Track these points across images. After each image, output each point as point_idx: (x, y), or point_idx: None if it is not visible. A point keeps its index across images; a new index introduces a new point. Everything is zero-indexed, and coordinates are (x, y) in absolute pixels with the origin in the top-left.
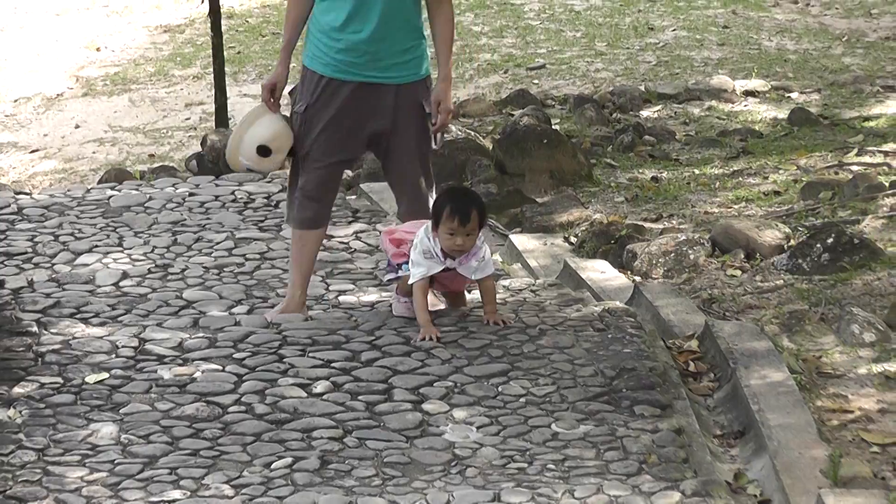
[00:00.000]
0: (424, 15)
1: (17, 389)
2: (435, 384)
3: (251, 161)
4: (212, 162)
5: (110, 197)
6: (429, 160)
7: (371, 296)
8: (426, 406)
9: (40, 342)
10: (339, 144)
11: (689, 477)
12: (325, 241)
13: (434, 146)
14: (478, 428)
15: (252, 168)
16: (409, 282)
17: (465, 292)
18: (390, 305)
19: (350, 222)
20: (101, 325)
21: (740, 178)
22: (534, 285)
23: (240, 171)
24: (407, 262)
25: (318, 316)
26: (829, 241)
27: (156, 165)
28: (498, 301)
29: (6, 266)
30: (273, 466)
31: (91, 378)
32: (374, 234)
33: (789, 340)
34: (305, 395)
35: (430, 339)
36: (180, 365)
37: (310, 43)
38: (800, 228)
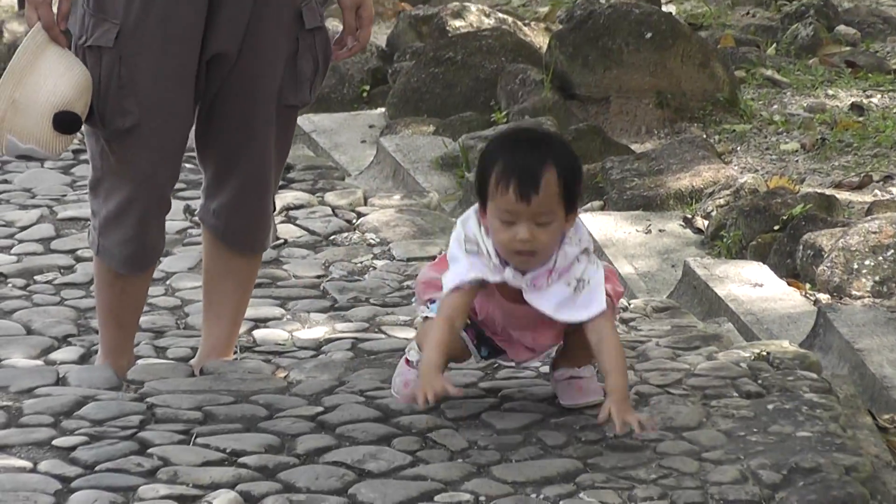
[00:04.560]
0: None
1: None
2: (437, 497)
3: (38, 140)
4: None
5: None
6: (293, 123)
7: (316, 329)
8: None
9: None
10: (184, 90)
11: None
12: None
13: (309, 97)
14: None
15: (32, 154)
16: (442, 292)
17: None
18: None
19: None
20: None
21: None
22: (628, 307)
23: (8, 154)
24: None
25: (216, 367)
26: None
27: None
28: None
29: None
30: None
31: None
32: (322, 210)
33: None
34: None
35: (428, 400)
36: None
37: None
38: None
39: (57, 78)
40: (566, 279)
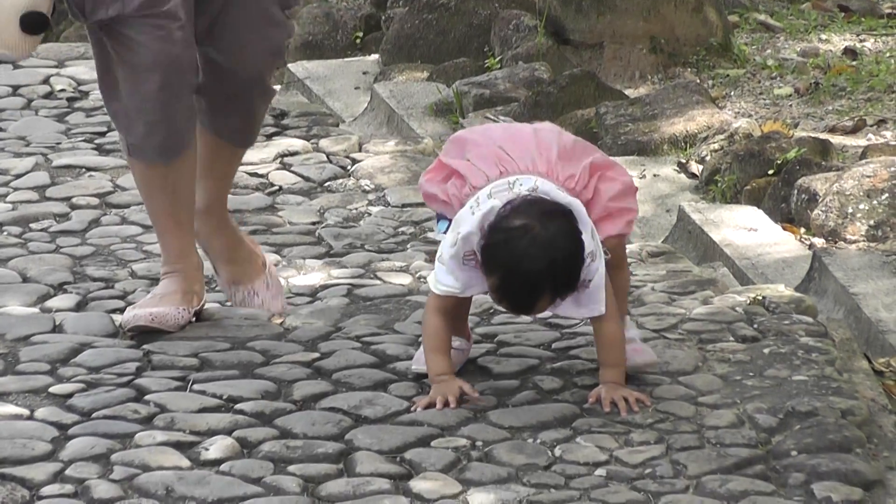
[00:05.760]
0: None
1: None
2: (434, 442)
3: (5, 43)
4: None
5: None
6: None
7: (311, 276)
8: (418, 485)
9: None
10: None
11: None
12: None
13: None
14: None
15: (1, 57)
16: (432, 289)
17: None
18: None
19: (270, 136)
20: None
21: None
22: None
23: None
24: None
25: (213, 314)
26: None
27: None
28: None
29: None
30: None
31: None
32: (316, 156)
33: None
34: (188, 463)
35: (447, 403)
36: None
37: None
38: None
39: None
40: None
